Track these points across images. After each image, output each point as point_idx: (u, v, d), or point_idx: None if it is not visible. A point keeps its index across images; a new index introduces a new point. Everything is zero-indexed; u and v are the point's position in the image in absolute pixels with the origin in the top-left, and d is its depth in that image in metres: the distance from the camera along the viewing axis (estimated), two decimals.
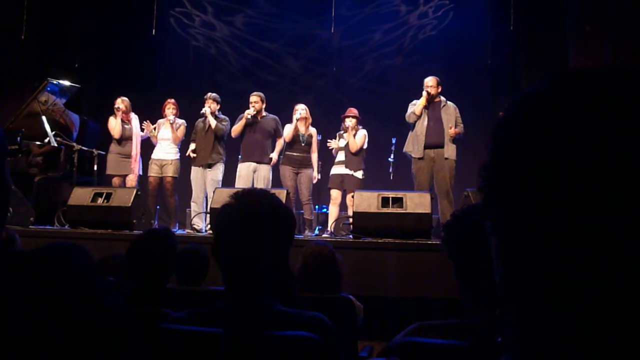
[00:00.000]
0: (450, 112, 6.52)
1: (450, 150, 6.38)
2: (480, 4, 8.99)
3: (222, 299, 1.52)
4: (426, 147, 6.39)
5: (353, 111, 6.90)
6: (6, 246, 3.07)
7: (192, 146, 7.03)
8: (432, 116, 6.49)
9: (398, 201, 5.08)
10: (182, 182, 7.35)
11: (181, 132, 7.22)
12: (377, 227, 4.99)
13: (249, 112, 6.80)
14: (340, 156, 6.82)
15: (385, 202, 5.10)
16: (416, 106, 6.49)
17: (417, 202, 5.05)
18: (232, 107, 7.46)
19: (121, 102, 7.32)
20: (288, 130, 6.79)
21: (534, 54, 8.32)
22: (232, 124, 7.02)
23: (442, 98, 6.60)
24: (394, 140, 7.08)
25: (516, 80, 8.53)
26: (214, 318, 1.46)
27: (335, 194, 6.75)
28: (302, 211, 6.88)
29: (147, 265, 2.35)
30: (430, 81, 6.54)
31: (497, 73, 8.74)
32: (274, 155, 6.89)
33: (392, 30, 9.59)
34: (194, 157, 7.01)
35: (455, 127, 6.42)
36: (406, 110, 6.64)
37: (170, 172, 7.12)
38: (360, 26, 9.51)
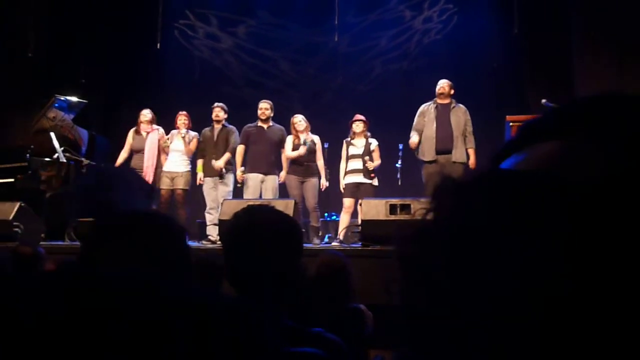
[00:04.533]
0: (459, 115, 6.54)
1: (458, 154, 6.40)
2: (483, 7, 9.00)
3: None
4: (437, 152, 6.42)
5: (360, 117, 6.91)
6: (35, 263, 3.03)
7: (200, 172, 7.08)
8: (441, 120, 6.51)
9: (406, 208, 5.09)
10: (191, 193, 7.37)
11: (194, 144, 7.19)
12: (385, 235, 4.98)
13: (240, 178, 6.90)
14: (355, 164, 6.70)
15: (393, 209, 5.10)
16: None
17: None
18: (239, 116, 7.49)
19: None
20: (289, 150, 6.82)
21: (538, 57, 8.31)
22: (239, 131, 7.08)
23: (453, 100, 6.64)
24: (400, 147, 7.04)
25: (521, 83, 8.52)
26: None
27: (349, 203, 6.63)
28: (309, 220, 6.87)
29: None
30: (444, 84, 6.62)
31: (502, 76, 8.73)
32: (283, 174, 6.89)
33: (397, 35, 9.60)
34: (201, 172, 7.05)
35: (465, 131, 6.47)
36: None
37: (181, 184, 7.12)
38: (365, 33, 9.54)
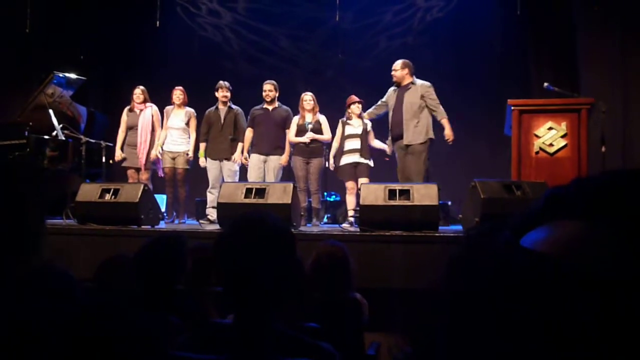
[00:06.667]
0: (414, 95, 6.21)
1: (410, 136, 6.09)
2: None
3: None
4: (393, 139, 6.29)
5: (358, 99, 6.83)
6: None
7: (202, 157, 7.03)
8: (397, 105, 6.27)
9: (405, 193, 5.05)
10: (192, 172, 7.35)
11: (193, 126, 7.18)
12: (384, 220, 4.97)
13: (243, 162, 6.92)
14: (353, 144, 6.67)
15: (392, 194, 5.06)
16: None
17: (423, 194, 5.02)
18: (240, 95, 7.44)
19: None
20: (292, 133, 6.77)
21: (541, 37, 8.22)
22: (245, 113, 7.05)
23: (412, 81, 6.30)
24: None
25: (523, 65, 8.44)
26: (218, 344, 1.47)
27: (351, 185, 6.60)
28: (311, 200, 6.88)
29: (155, 271, 2.34)
30: (394, 66, 6.37)
31: (504, 58, 8.64)
32: (285, 157, 6.83)
33: (398, 12, 9.50)
34: (202, 157, 7.01)
35: (426, 105, 6.14)
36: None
37: (181, 164, 7.14)
38: (366, 9, 9.44)
